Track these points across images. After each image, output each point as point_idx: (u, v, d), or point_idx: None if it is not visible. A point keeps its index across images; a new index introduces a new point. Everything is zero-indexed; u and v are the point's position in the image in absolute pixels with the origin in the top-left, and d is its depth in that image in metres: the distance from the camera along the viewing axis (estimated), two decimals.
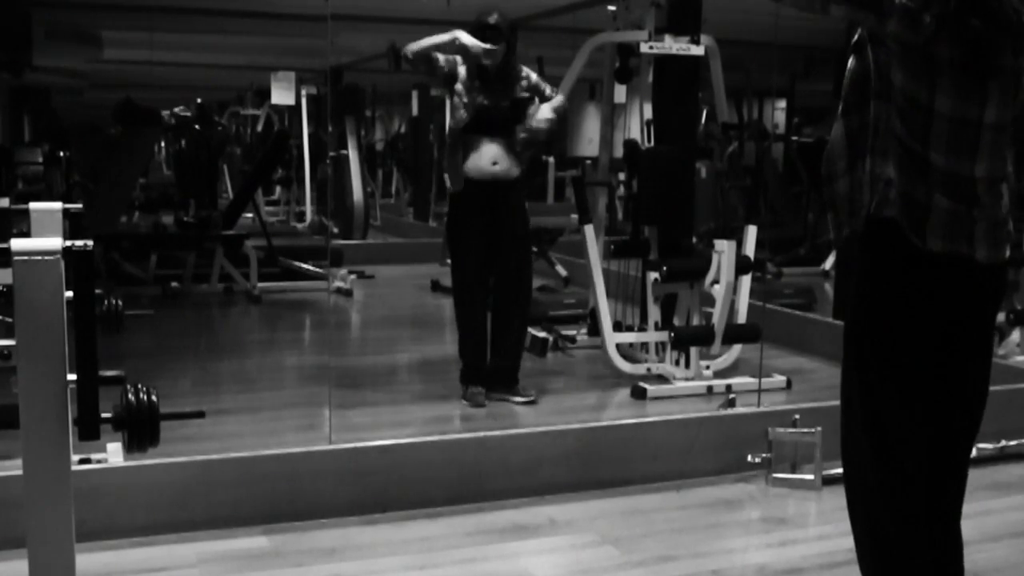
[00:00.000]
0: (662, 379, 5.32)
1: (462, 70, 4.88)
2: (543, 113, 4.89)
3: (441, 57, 4.87)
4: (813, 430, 3.87)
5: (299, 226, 13.05)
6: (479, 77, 4.88)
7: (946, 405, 2.38)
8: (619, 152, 6.08)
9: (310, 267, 8.68)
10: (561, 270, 8.43)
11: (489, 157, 4.83)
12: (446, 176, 5.05)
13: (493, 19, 4.87)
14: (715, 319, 5.15)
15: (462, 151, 4.87)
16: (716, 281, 5.15)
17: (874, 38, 2.26)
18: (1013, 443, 4.25)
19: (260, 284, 8.07)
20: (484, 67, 4.86)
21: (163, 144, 16.33)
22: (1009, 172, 2.32)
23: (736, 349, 5.56)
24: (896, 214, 2.25)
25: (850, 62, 2.34)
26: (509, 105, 4.90)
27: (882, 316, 2.34)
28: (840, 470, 3.88)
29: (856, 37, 2.32)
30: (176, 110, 12.07)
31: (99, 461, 3.51)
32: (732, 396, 4.68)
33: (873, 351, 2.37)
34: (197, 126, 11.29)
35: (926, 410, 2.36)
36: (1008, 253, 2.35)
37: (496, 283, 4.96)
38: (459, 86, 4.88)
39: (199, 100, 14.56)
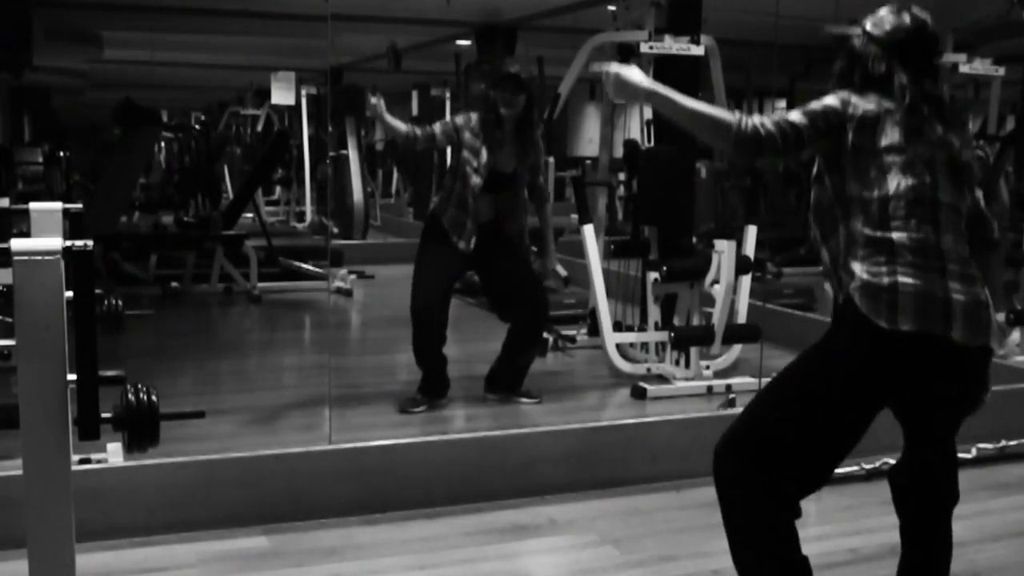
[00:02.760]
0: (662, 379, 5.32)
1: (467, 135, 4.67)
2: (553, 260, 5.02)
3: (439, 131, 4.70)
4: None
5: (299, 226, 13.06)
6: (494, 129, 4.68)
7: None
8: (619, 152, 6.08)
9: (310, 267, 8.68)
10: (561, 270, 8.41)
11: (486, 211, 4.75)
12: (449, 227, 4.73)
13: (514, 69, 4.71)
14: (715, 319, 5.15)
15: (456, 200, 4.71)
16: (716, 281, 5.15)
17: (830, 166, 2.41)
18: (1013, 443, 4.25)
19: (260, 284, 8.07)
20: (500, 119, 4.67)
21: (162, 144, 16.35)
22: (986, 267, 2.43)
23: (736, 349, 5.56)
24: (860, 305, 2.31)
25: (812, 193, 2.48)
26: (516, 166, 4.76)
27: (839, 365, 2.40)
28: (839, 470, 3.88)
29: (815, 171, 2.47)
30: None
31: (99, 461, 3.51)
32: (732, 396, 4.68)
33: (818, 392, 2.43)
34: (196, 127, 11.30)
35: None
36: (994, 340, 2.39)
37: (517, 306, 4.85)
38: (466, 152, 4.68)
39: (203, 118, 14.52)
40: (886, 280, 2.29)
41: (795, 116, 2.41)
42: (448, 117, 4.77)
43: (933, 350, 2.30)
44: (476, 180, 4.67)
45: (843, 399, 2.38)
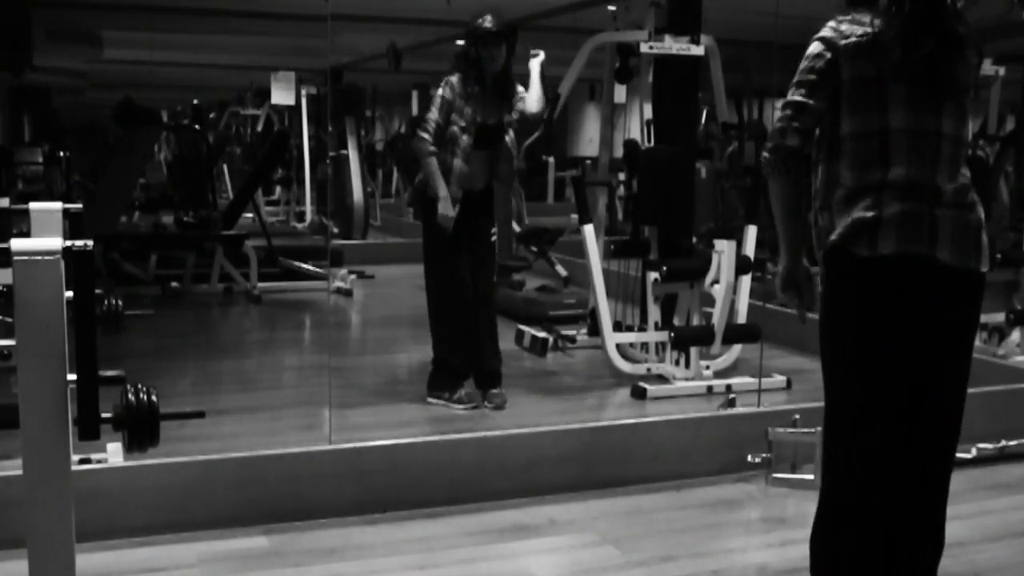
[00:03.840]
0: (662, 379, 5.32)
1: (458, 102, 4.68)
2: (535, 95, 4.78)
3: (439, 119, 4.69)
4: (813, 430, 3.86)
5: (299, 226, 13.05)
6: (476, 85, 4.70)
7: (905, 406, 2.36)
8: (619, 152, 6.08)
9: (310, 267, 8.67)
10: (561, 270, 8.43)
11: (475, 171, 4.73)
12: (439, 188, 4.69)
13: (490, 23, 4.65)
14: (715, 319, 5.15)
15: (451, 161, 4.71)
16: (716, 281, 5.15)
17: (832, 104, 2.34)
18: (1013, 443, 4.25)
19: (260, 284, 8.06)
20: (483, 73, 4.69)
21: (162, 144, 16.36)
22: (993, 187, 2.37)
23: (736, 349, 5.56)
24: (839, 239, 2.28)
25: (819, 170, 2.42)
26: (500, 120, 4.76)
27: (839, 323, 2.37)
28: None
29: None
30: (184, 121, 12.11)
31: (99, 461, 3.51)
32: (732, 396, 4.68)
33: (833, 356, 2.41)
34: (197, 126, 11.30)
35: (882, 412, 2.35)
36: (984, 264, 2.30)
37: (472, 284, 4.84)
38: (453, 115, 4.69)
39: (195, 101, 14.46)
40: (870, 214, 2.25)
41: (790, 96, 2.36)
42: (437, 96, 4.71)
43: (917, 273, 2.23)
44: (465, 139, 4.68)
45: (855, 348, 2.33)
